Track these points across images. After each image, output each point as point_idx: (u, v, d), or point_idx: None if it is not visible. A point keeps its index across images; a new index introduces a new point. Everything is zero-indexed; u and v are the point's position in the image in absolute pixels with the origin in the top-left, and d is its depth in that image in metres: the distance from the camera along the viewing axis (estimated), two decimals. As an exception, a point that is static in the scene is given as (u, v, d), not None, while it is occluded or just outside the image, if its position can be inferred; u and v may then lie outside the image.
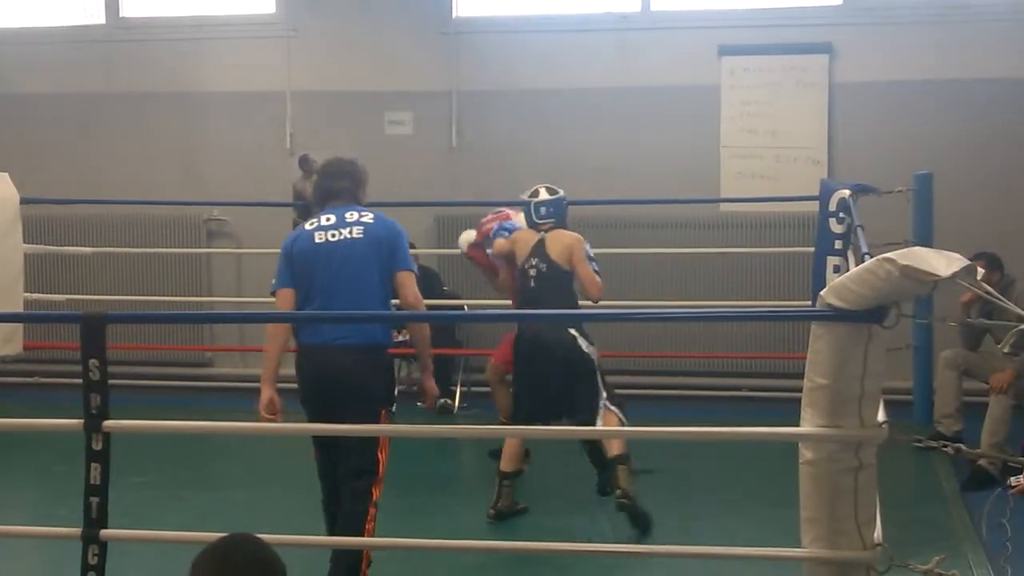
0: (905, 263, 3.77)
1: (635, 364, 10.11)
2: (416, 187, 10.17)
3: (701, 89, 10.18)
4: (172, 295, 10.32)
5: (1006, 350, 5.99)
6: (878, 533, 4.13)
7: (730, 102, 10.19)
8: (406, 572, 6.24)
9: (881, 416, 4.11)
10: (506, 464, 7.09)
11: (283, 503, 7.48)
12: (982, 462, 7.54)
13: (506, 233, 7.59)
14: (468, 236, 8.05)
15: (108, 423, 4.53)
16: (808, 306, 7.67)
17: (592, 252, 7.39)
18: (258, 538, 2.82)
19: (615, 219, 10.14)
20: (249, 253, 10.69)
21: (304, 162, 10.49)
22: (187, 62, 10.85)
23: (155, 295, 10.26)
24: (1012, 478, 5.67)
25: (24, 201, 9.37)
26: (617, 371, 10.06)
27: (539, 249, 7.23)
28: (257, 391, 10.31)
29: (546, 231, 7.30)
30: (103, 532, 4.63)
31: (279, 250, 9.73)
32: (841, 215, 7.31)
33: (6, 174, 9.43)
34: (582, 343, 7.02)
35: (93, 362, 4.45)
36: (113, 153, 10.89)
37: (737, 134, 10.18)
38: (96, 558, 4.62)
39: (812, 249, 8.33)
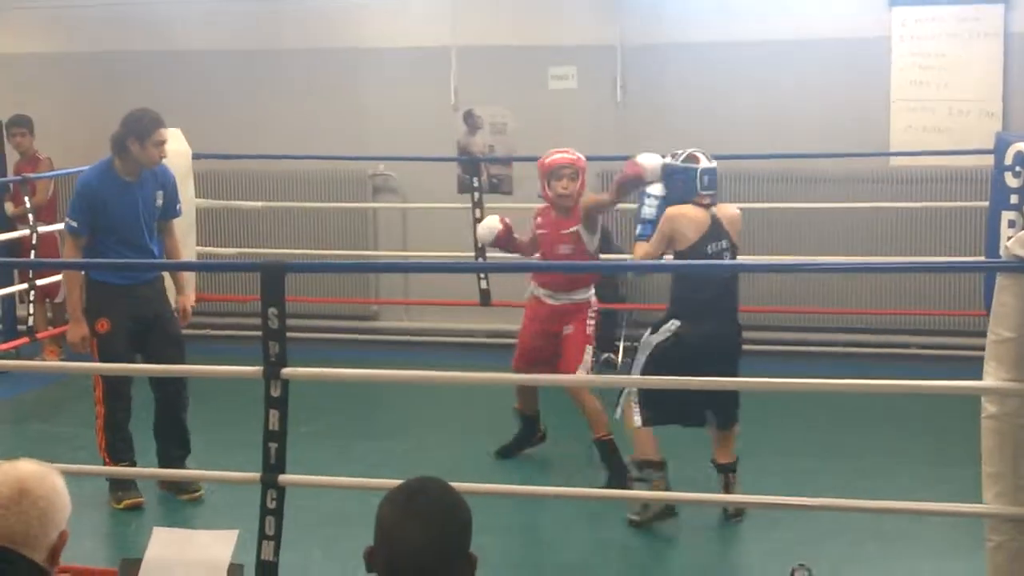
0: (1099, 211, 3.68)
1: (800, 320, 10.00)
2: (580, 143, 9.98)
3: (872, 41, 9.95)
4: (339, 249, 10.46)
5: None
6: (1064, 491, 4.03)
7: (901, 54, 9.94)
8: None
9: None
10: (651, 451, 6.36)
11: (449, 452, 7.58)
12: None
13: (654, 202, 6.58)
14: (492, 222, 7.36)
15: (287, 370, 4.62)
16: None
17: None
18: (444, 482, 2.82)
19: (783, 173, 10.01)
20: (415, 208, 10.77)
21: (469, 117, 10.55)
22: (353, 18, 10.91)
23: (322, 249, 10.42)
24: None
25: (195, 156, 9.61)
26: (784, 327, 10.01)
27: (718, 229, 6.30)
28: (422, 344, 10.46)
29: (710, 205, 6.35)
30: (281, 477, 4.73)
31: (445, 205, 9.94)
32: (1018, 169, 7.13)
33: (178, 129, 9.64)
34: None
35: (272, 311, 4.54)
36: (281, 109, 11.03)
37: (908, 87, 9.93)
38: (275, 503, 4.73)
39: (986, 204, 8.16)
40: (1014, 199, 7.16)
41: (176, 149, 9.47)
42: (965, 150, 9.29)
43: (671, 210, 6.31)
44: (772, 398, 7.29)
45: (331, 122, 10.91)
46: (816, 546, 5.76)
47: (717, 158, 6.54)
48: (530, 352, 7.24)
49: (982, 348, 4.08)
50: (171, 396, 6.86)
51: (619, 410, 6.43)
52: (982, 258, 8.13)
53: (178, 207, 7.10)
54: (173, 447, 6.90)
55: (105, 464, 6.66)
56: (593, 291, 7.21)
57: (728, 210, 6.45)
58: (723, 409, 6.40)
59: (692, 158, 6.37)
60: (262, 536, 4.76)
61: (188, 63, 11.12)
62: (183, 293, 7.20)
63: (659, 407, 6.29)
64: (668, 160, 6.44)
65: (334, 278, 10.75)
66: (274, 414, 4.63)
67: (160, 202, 6.86)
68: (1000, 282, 3.92)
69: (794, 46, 10.12)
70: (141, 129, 6.63)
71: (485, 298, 9.67)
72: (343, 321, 10.94)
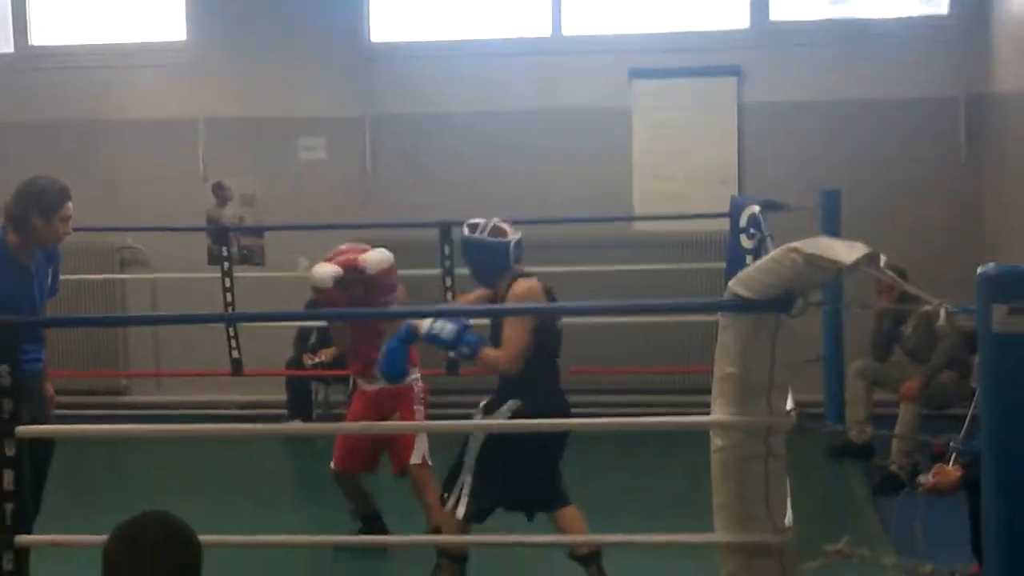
0: (810, 251, 3.89)
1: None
2: (329, 212, 10.16)
3: (613, 112, 10.31)
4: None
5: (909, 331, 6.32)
6: (789, 518, 4.20)
7: (641, 125, 10.31)
8: None
9: (790, 404, 4.20)
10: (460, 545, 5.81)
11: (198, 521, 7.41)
12: (892, 467, 7.72)
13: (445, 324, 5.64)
14: (328, 269, 6.36)
15: (21, 428, 4.54)
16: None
17: None
18: (170, 514, 2.80)
19: (529, 241, 10.16)
20: (164, 278, 10.63)
21: (218, 189, 10.50)
22: (99, 90, 10.78)
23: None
24: (920, 476, 5.77)
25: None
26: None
27: (551, 296, 5.98)
28: (175, 417, 10.25)
29: (527, 275, 5.95)
30: (18, 538, 4.61)
31: (193, 275, 9.82)
32: (752, 231, 7.37)
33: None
34: None
35: (4, 368, 4.47)
36: (24, 182, 10.77)
37: (649, 155, 10.31)
38: (11, 564, 4.60)
39: (723, 266, 8.45)
40: (749, 260, 7.39)
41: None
42: (703, 214, 9.60)
43: (521, 289, 5.81)
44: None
45: (79, 195, 10.53)
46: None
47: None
48: (351, 450, 6.60)
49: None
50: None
51: (451, 500, 5.77)
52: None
53: (58, 284, 6.12)
54: None
55: None
56: (418, 373, 6.63)
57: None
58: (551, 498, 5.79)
59: (499, 231, 5.96)
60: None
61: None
62: (47, 379, 6.13)
63: (492, 500, 5.73)
64: (466, 233, 5.99)
65: (83, 353, 10.53)
66: (9, 473, 4.54)
67: (49, 281, 5.97)
68: (722, 321, 4.10)
69: (541, 116, 10.39)
70: (47, 202, 5.73)
71: (237, 367, 9.59)
72: (93, 397, 10.68)
